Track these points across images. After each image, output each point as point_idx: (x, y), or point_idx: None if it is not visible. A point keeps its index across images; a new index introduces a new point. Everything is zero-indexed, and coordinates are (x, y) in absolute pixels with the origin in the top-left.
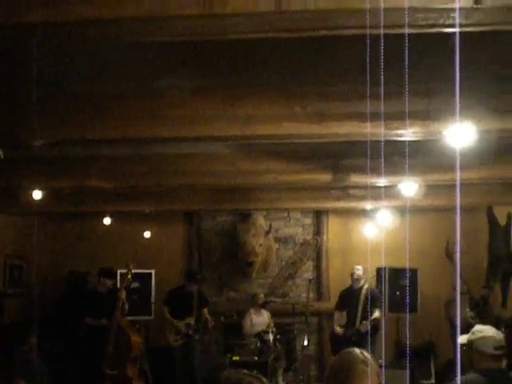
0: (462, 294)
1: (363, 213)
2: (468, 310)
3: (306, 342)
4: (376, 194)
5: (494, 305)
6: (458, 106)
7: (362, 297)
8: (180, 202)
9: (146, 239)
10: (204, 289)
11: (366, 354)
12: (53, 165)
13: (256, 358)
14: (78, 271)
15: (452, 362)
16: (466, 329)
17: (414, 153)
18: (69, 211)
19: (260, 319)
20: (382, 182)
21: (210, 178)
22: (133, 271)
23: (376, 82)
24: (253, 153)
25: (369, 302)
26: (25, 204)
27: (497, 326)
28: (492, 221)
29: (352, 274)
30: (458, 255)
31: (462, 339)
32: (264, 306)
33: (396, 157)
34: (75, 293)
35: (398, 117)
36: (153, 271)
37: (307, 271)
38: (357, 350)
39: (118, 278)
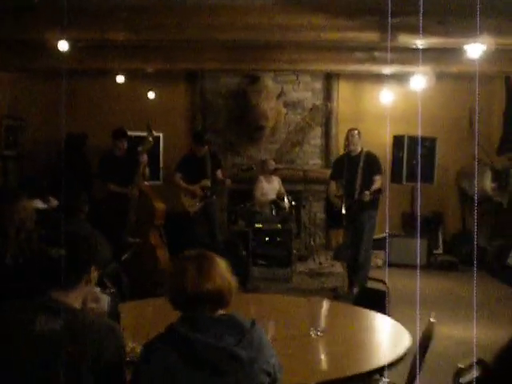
0: (482, 164)
1: (378, 78)
2: (489, 181)
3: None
4: (399, 58)
5: None
6: None
7: (361, 164)
8: (183, 60)
9: (149, 100)
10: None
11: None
12: None
13: (279, 225)
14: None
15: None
16: (482, 202)
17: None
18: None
19: (270, 186)
20: (420, 44)
21: (217, 33)
22: (154, 133)
23: None
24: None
25: (368, 169)
26: (29, 60)
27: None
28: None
29: (347, 139)
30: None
31: None
32: (274, 172)
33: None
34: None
35: None
36: (161, 134)
37: (315, 138)
38: None
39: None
